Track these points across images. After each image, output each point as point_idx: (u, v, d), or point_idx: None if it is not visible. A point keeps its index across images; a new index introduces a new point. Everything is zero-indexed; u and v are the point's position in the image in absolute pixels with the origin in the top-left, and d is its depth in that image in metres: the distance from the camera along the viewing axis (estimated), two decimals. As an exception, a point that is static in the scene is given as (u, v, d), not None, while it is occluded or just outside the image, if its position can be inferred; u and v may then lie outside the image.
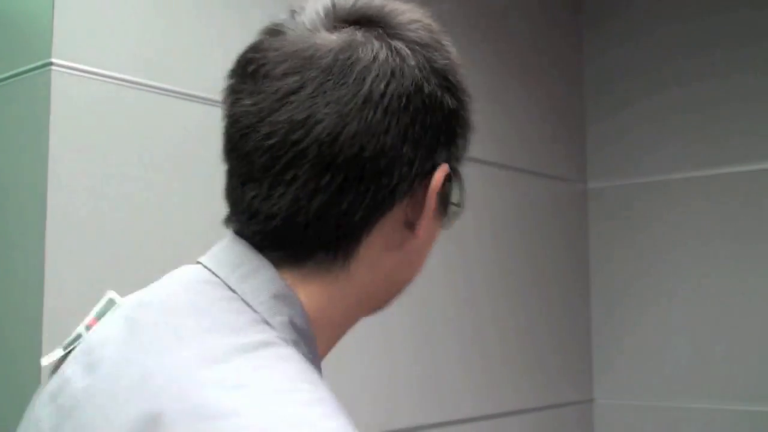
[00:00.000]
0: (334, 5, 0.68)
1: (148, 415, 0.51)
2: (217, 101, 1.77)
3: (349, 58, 0.63)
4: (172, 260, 1.66)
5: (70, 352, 0.66)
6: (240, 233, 0.66)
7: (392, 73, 0.63)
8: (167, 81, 1.71)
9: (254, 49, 0.68)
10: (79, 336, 0.66)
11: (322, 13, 0.67)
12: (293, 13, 0.69)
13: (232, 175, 0.67)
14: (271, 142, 0.62)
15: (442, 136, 0.66)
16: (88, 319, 0.68)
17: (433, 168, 0.66)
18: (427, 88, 0.64)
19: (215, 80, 1.77)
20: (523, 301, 2.68)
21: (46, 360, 0.66)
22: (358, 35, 0.65)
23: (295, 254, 0.63)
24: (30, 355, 1.48)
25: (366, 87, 0.62)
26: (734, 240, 2.72)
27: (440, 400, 2.32)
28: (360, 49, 0.64)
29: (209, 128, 1.78)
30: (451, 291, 2.39)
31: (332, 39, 0.64)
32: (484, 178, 2.54)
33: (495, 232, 2.59)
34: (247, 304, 0.60)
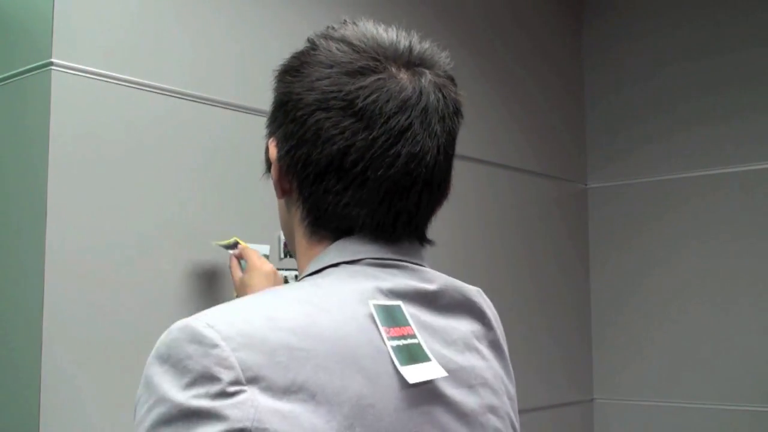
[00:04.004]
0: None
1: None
2: (215, 101, 1.78)
3: None
4: (170, 257, 1.66)
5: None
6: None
7: None
8: (166, 81, 1.71)
9: None
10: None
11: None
12: None
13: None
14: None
15: None
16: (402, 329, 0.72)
17: None
18: None
19: (213, 80, 1.77)
20: (524, 301, 2.68)
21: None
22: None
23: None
24: (30, 354, 1.48)
25: None
26: (733, 239, 2.72)
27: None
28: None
29: (209, 128, 1.78)
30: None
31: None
32: (486, 179, 2.54)
33: (495, 232, 2.59)
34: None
